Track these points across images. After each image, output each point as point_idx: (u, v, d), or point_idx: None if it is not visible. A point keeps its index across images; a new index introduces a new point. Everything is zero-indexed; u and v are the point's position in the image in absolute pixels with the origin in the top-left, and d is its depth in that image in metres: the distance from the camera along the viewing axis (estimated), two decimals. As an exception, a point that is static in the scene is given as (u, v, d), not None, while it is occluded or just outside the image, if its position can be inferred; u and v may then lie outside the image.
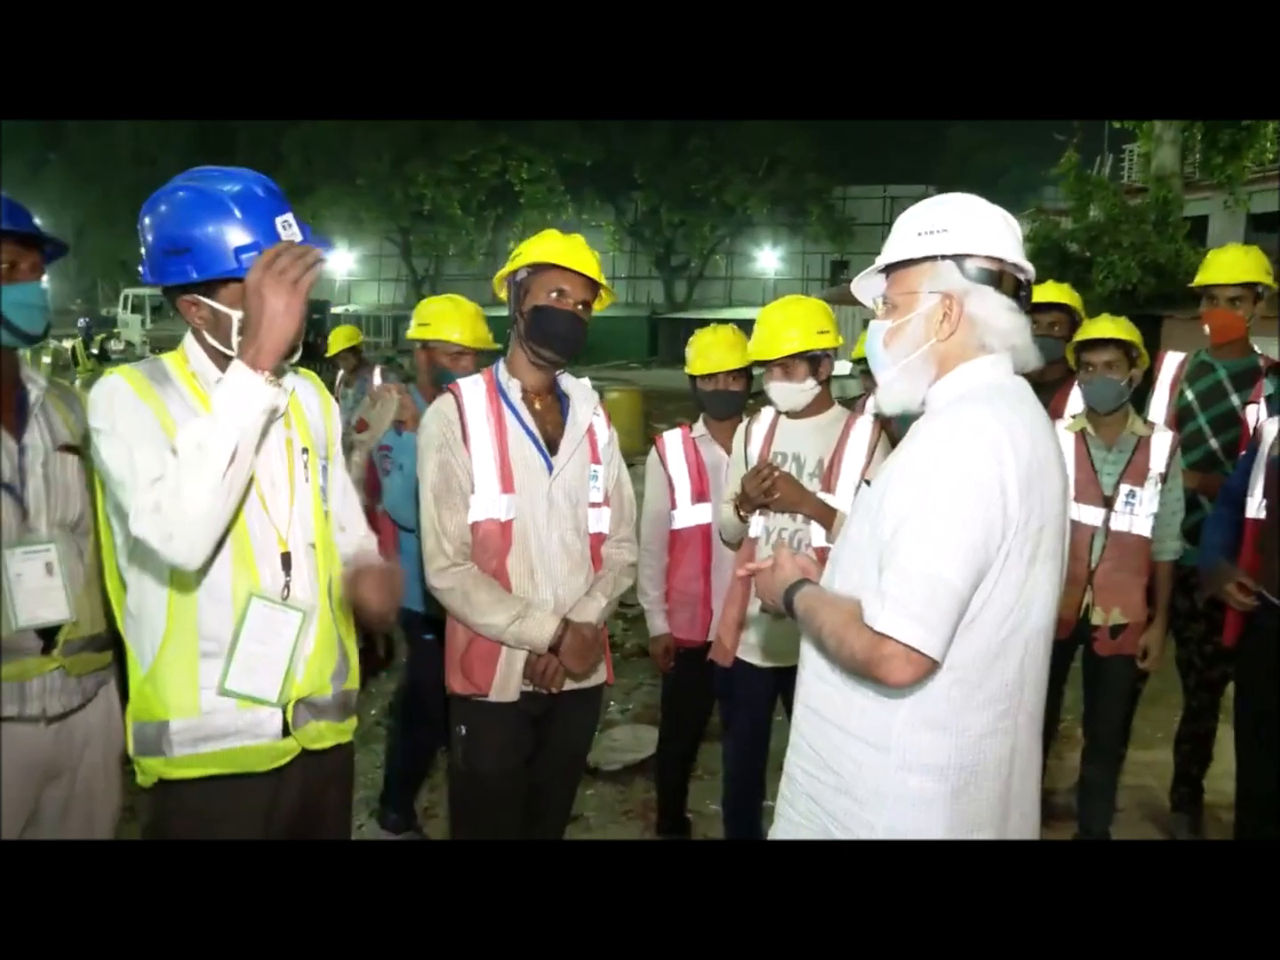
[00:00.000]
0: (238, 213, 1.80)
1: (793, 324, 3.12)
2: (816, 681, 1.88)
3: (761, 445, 3.24)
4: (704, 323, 3.35)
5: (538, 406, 2.67)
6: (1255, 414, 3.76)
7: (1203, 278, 3.88)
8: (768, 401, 3.24)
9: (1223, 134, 17.73)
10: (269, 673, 1.91)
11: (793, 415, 3.20)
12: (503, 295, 2.70)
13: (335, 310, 39.75)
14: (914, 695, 1.71)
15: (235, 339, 1.85)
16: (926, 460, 1.67)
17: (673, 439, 3.66)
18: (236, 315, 1.82)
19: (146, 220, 1.87)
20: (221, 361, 1.90)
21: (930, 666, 1.65)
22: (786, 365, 3.11)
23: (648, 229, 41.54)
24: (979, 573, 1.65)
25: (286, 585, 1.94)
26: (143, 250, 1.89)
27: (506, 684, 2.62)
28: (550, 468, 2.63)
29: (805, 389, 3.13)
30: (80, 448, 2.23)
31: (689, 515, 3.61)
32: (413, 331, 3.75)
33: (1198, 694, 3.86)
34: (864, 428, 3.16)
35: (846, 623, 1.71)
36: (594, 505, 2.73)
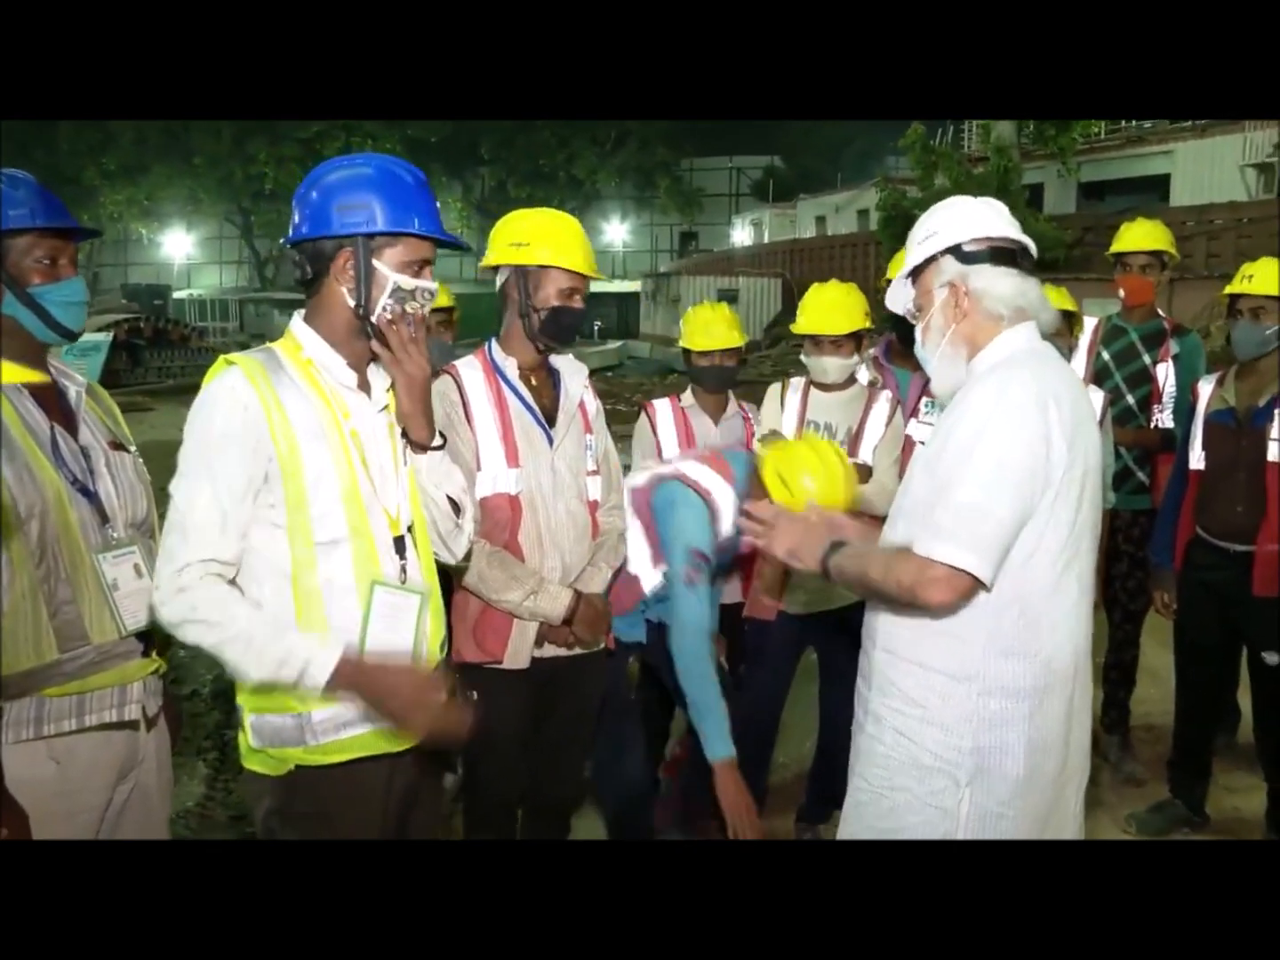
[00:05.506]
0: (408, 180, 1.99)
1: (842, 306, 3.56)
2: (891, 626, 2.07)
3: (797, 414, 3.64)
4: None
5: (533, 382, 2.79)
6: (1164, 371, 4.17)
7: (1117, 246, 4.25)
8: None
9: (1054, 106, 18.63)
10: (398, 656, 1.96)
11: (824, 388, 3.62)
12: (489, 264, 2.86)
13: (177, 295, 38.15)
14: (988, 629, 1.93)
15: (383, 301, 1.94)
16: (978, 415, 1.89)
17: (662, 406, 3.81)
18: (394, 277, 1.93)
19: (318, 176, 1.98)
20: (342, 349, 1.98)
21: (971, 586, 1.86)
22: (839, 341, 3.51)
23: (495, 204, 40.85)
24: (1024, 508, 1.86)
25: (403, 569, 2.00)
26: (302, 208, 1.98)
27: (519, 652, 2.73)
28: (550, 440, 2.75)
29: (850, 363, 3.59)
30: (123, 443, 2.19)
31: None
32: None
33: (1123, 626, 4.24)
34: (883, 404, 3.60)
35: (891, 557, 1.93)
36: (590, 474, 2.86)
